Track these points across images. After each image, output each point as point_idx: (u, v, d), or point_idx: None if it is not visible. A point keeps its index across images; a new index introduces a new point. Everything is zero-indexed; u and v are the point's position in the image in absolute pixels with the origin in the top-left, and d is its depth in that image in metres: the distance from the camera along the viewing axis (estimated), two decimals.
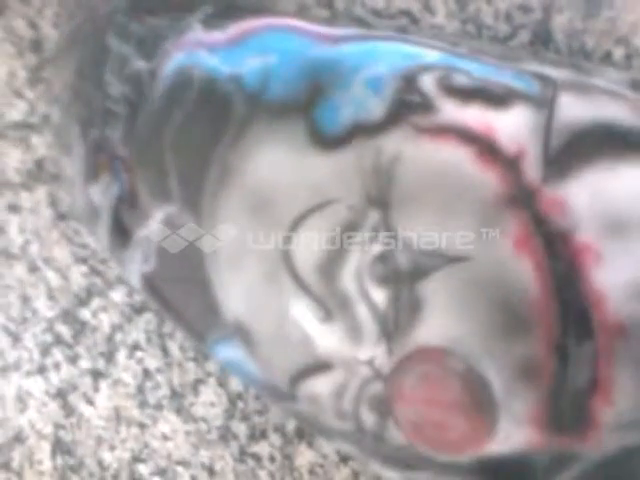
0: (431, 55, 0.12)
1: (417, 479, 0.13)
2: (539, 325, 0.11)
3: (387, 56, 0.12)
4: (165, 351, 0.25)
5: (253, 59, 0.13)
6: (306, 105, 0.12)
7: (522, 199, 0.11)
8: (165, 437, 0.26)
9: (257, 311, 0.13)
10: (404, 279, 0.12)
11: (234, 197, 0.13)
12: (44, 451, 0.28)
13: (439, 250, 0.11)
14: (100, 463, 0.27)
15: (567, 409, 0.11)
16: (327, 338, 0.12)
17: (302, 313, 0.12)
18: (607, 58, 0.19)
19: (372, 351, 0.12)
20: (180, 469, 0.26)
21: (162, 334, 0.25)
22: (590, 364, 0.11)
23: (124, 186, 0.16)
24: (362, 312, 0.12)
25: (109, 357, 0.26)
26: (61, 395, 0.27)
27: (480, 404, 0.12)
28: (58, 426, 0.27)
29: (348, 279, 0.12)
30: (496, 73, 0.12)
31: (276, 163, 0.12)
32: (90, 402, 0.26)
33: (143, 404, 0.26)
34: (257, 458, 0.25)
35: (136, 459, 0.27)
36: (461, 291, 0.11)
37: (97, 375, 0.26)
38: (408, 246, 0.12)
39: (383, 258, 0.12)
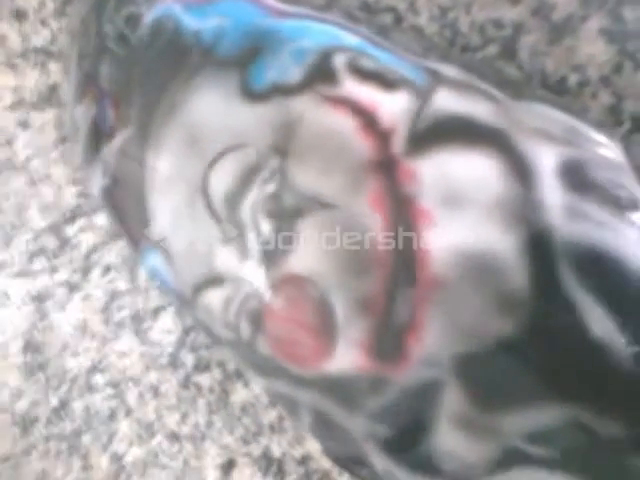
0: (352, 40, 0.15)
1: (276, 387, 0.16)
2: (378, 269, 0.14)
3: (316, 34, 0.15)
4: (134, 277, 0.28)
5: (213, 19, 0.15)
6: (243, 63, 0.15)
7: (385, 166, 0.13)
8: (122, 354, 0.29)
9: (176, 229, 0.16)
10: (286, 216, 0.14)
11: (175, 130, 0.15)
12: (17, 346, 0.31)
13: (316, 197, 0.14)
14: (62, 366, 0.30)
15: (389, 341, 0.14)
16: (224, 257, 0.15)
17: (209, 234, 0.15)
18: (562, 82, 0.20)
19: (255, 272, 0.15)
20: (130, 385, 0.29)
21: (134, 261, 0.27)
22: (410, 307, 0.13)
23: (107, 118, 0.18)
24: (252, 238, 0.15)
25: (84, 273, 0.28)
26: (38, 299, 0.30)
27: (325, 327, 0.14)
28: (32, 326, 0.30)
29: (246, 210, 0.15)
30: (397, 63, 0.14)
31: (210, 106, 0.15)
32: (62, 310, 0.29)
33: (108, 321, 0.29)
34: (199, 387, 0.28)
35: (94, 368, 0.29)
36: (326, 232, 0.14)
37: (72, 287, 0.29)
38: (294, 190, 0.14)
39: (274, 197, 0.14)
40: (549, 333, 0.13)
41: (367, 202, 0.14)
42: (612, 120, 0.20)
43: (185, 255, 0.16)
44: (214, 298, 0.16)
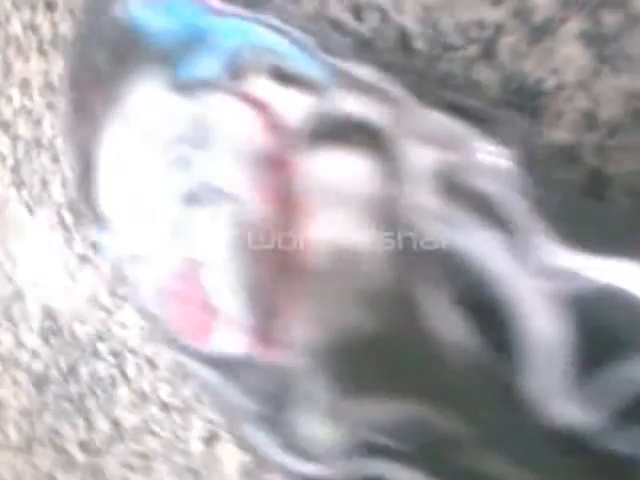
0: (272, 39, 0.15)
1: (183, 361, 0.17)
2: (260, 258, 0.14)
3: (242, 34, 0.15)
4: None
5: (162, 16, 0.16)
6: (178, 56, 0.16)
7: (278, 162, 0.14)
8: (124, 325, 0.30)
9: (118, 204, 0.17)
10: (193, 203, 0.15)
11: (117, 119, 0.17)
12: (36, 311, 0.34)
13: (218, 188, 0.15)
14: (73, 333, 0.32)
15: (263, 324, 0.14)
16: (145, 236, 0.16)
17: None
18: (539, 84, 0.20)
19: (164, 252, 0.16)
20: (129, 355, 0.31)
21: None
22: (284, 294, 0.14)
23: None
24: (160, 220, 0.16)
25: (96, 247, 0.30)
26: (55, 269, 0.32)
27: (210, 307, 0.15)
28: (50, 293, 0.32)
29: (166, 187, 0.16)
30: (308, 63, 0.15)
31: (146, 93, 0.16)
32: (74, 280, 0.31)
33: (113, 293, 0.30)
34: None
35: (99, 337, 0.31)
36: (221, 222, 0.15)
37: (84, 260, 0.31)
38: (199, 180, 0.15)
39: (184, 185, 0.16)
40: (399, 331, 0.13)
41: (259, 195, 0.14)
42: (586, 125, 0.20)
43: (122, 229, 0.17)
44: (138, 274, 0.17)
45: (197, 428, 0.29)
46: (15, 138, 0.32)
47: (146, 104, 0.16)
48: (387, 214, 0.13)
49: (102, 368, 0.32)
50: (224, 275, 0.15)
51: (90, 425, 0.33)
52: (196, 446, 0.30)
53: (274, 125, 0.14)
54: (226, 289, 0.15)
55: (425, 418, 0.13)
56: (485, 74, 0.21)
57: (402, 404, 0.13)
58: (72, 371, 0.33)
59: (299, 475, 0.15)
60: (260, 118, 0.14)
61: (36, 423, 0.36)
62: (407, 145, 0.13)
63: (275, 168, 0.14)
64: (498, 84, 0.21)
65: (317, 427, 0.14)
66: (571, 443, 0.12)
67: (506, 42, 0.21)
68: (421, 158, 0.13)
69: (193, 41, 0.15)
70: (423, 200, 0.13)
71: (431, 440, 0.13)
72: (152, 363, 0.30)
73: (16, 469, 0.37)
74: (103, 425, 0.33)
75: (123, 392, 0.32)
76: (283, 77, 0.15)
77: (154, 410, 0.31)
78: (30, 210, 0.32)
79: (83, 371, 0.32)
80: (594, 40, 0.19)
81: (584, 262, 0.12)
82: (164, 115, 0.16)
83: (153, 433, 0.31)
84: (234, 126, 0.14)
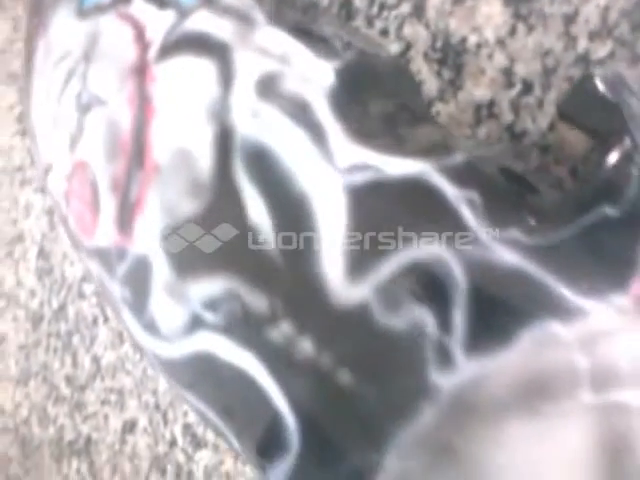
0: None
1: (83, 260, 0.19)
2: (123, 156, 0.16)
3: None
4: None
5: None
6: None
7: (139, 71, 0.16)
8: None
9: (40, 114, 0.19)
10: (81, 110, 0.18)
11: (41, 45, 0.19)
12: (33, 253, 0.37)
13: (98, 95, 0.17)
14: (62, 274, 0.35)
15: (126, 216, 0.16)
16: (55, 142, 0.18)
17: (50, 121, 0.19)
18: (463, 42, 0.21)
19: (63, 155, 0.18)
20: None
21: None
22: (138, 188, 0.16)
23: None
24: (64, 127, 0.18)
25: None
26: (49, 213, 0.35)
27: (94, 204, 0.17)
28: (44, 236, 0.35)
29: (63, 105, 0.18)
30: None
31: (59, 24, 0.18)
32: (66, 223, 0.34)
33: None
34: None
35: (84, 278, 0.34)
36: (98, 124, 0.17)
37: None
38: (87, 89, 0.17)
39: (77, 95, 0.18)
40: (221, 214, 0.15)
41: (124, 100, 0.16)
42: (505, 81, 0.21)
43: (40, 141, 0.20)
44: (52, 180, 0.19)
45: None
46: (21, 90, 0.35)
47: (57, 29, 0.18)
48: (214, 112, 0.15)
49: (86, 307, 0.34)
50: (101, 173, 0.17)
51: (75, 361, 0.36)
52: (164, 385, 0.32)
53: (141, 39, 0.16)
54: (103, 186, 0.17)
55: (239, 293, 0.14)
56: (415, 30, 0.22)
57: (222, 280, 0.15)
58: (62, 309, 0.36)
59: (157, 357, 0.17)
60: (132, 34, 0.16)
61: (31, 358, 0.39)
62: (244, 56, 0.15)
63: (136, 76, 0.16)
64: (426, 41, 0.22)
65: (165, 308, 0.16)
66: (356, 319, 0.13)
67: (434, 0, 0.22)
68: (252, 66, 0.15)
69: None
70: (245, 101, 0.14)
71: (243, 313, 0.14)
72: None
73: (15, 400, 0.41)
74: (85, 362, 0.36)
75: (103, 331, 0.34)
76: (158, 1, 0.17)
77: (129, 349, 0.33)
78: (33, 160, 0.35)
79: (71, 309, 0.35)
80: None
81: (376, 159, 0.13)
82: (69, 37, 0.18)
83: (127, 371, 0.34)
84: (113, 42, 0.17)
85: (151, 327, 0.16)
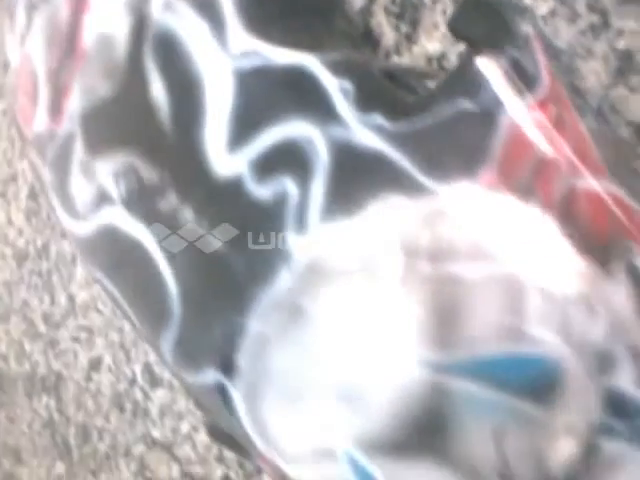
0: None
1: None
2: (58, 45, 0.18)
3: None
4: None
5: None
6: None
7: None
8: None
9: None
10: (31, 8, 0.18)
11: None
12: (24, 193, 0.38)
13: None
14: (48, 214, 0.37)
15: (55, 101, 0.18)
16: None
17: None
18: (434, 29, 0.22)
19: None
20: None
21: None
22: (68, 73, 0.17)
23: None
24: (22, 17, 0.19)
25: None
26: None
27: (34, 94, 0.19)
28: (35, 178, 0.37)
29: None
30: None
31: None
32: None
33: None
34: None
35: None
36: (41, 18, 0.18)
37: None
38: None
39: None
40: (129, 94, 0.16)
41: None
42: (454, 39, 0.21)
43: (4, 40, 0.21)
44: (8, 77, 0.21)
45: None
46: None
47: None
48: (132, 4, 0.16)
49: (66, 246, 0.36)
50: (40, 63, 0.18)
51: (53, 300, 0.38)
52: (129, 325, 0.33)
53: None
54: (41, 76, 0.18)
55: (136, 166, 0.16)
56: None
57: (122, 155, 0.16)
58: (45, 248, 0.37)
59: (75, 238, 0.18)
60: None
61: (14, 294, 0.41)
62: None
63: None
64: None
65: (79, 186, 0.17)
66: (230, 189, 0.14)
67: None
68: None
69: None
70: None
71: (139, 186, 0.16)
72: None
73: None
74: (62, 300, 0.37)
75: (79, 270, 0.35)
76: None
77: (99, 289, 0.34)
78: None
79: (53, 249, 0.37)
80: None
81: (266, 48, 0.15)
82: None
83: (98, 310, 0.35)
84: None
85: (71, 208, 0.18)
